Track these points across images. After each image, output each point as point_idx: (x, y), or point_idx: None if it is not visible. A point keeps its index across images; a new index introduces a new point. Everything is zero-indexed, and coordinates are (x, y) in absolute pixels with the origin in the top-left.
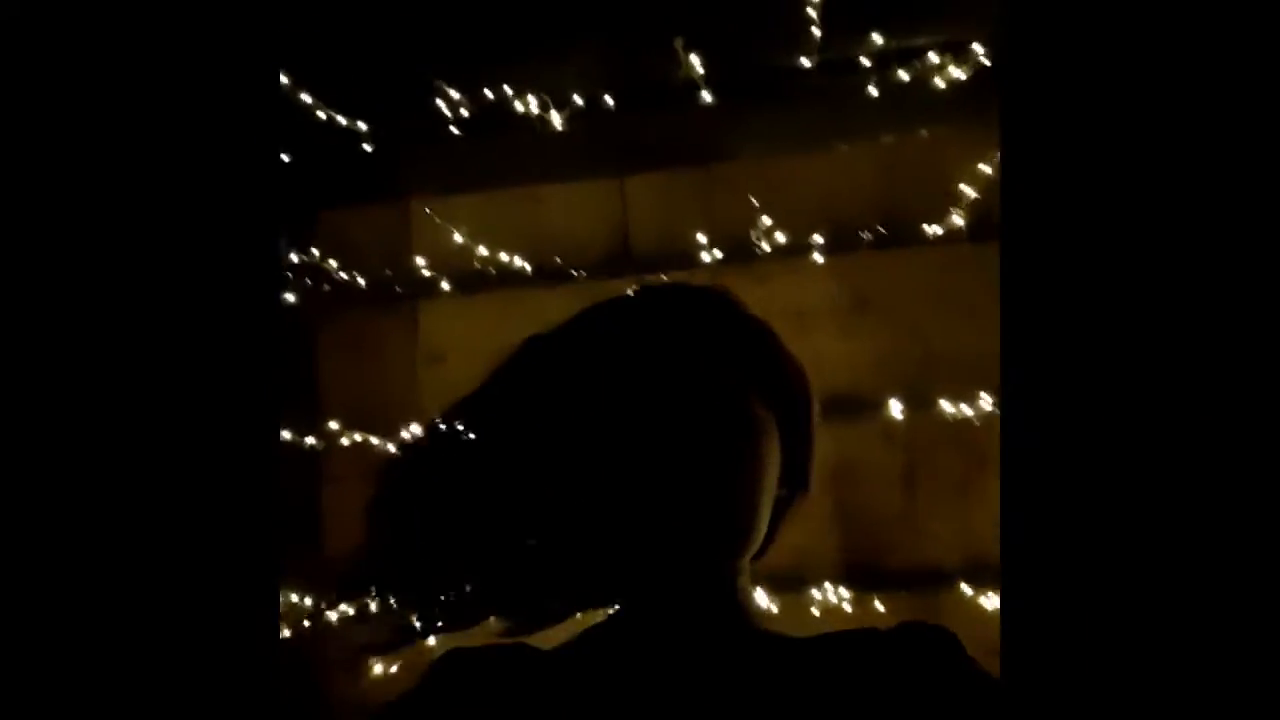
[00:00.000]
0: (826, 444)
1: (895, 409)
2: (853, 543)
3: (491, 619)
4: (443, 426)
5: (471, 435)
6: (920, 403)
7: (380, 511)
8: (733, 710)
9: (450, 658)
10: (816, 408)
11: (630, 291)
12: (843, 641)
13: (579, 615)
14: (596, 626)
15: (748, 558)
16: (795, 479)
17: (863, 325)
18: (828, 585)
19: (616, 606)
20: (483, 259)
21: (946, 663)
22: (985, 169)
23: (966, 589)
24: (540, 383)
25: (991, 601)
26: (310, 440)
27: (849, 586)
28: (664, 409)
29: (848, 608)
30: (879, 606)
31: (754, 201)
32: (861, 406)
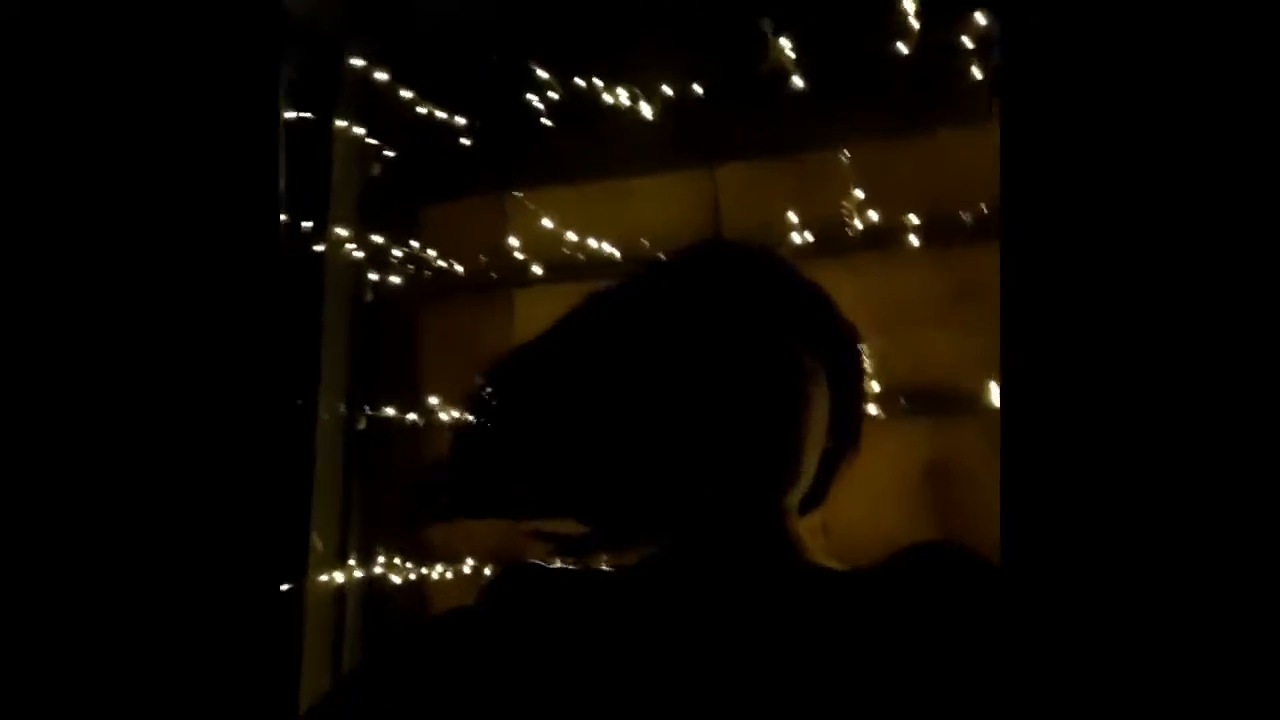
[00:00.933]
0: (923, 438)
1: (996, 403)
2: (951, 538)
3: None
4: (515, 370)
5: (544, 377)
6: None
7: (464, 437)
8: (779, 637)
9: (509, 573)
10: (868, 365)
11: (697, 247)
12: (886, 574)
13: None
14: (653, 556)
15: (794, 497)
16: (844, 433)
17: (962, 317)
18: None
19: (672, 545)
20: (573, 247)
21: (988, 594)
22: None
23: None
24: (604, 329)
25: None
26: (412, 416)
27: None
28: (714, 351)
29: None
30: None
31: (850, 189)
32: (961, 400)
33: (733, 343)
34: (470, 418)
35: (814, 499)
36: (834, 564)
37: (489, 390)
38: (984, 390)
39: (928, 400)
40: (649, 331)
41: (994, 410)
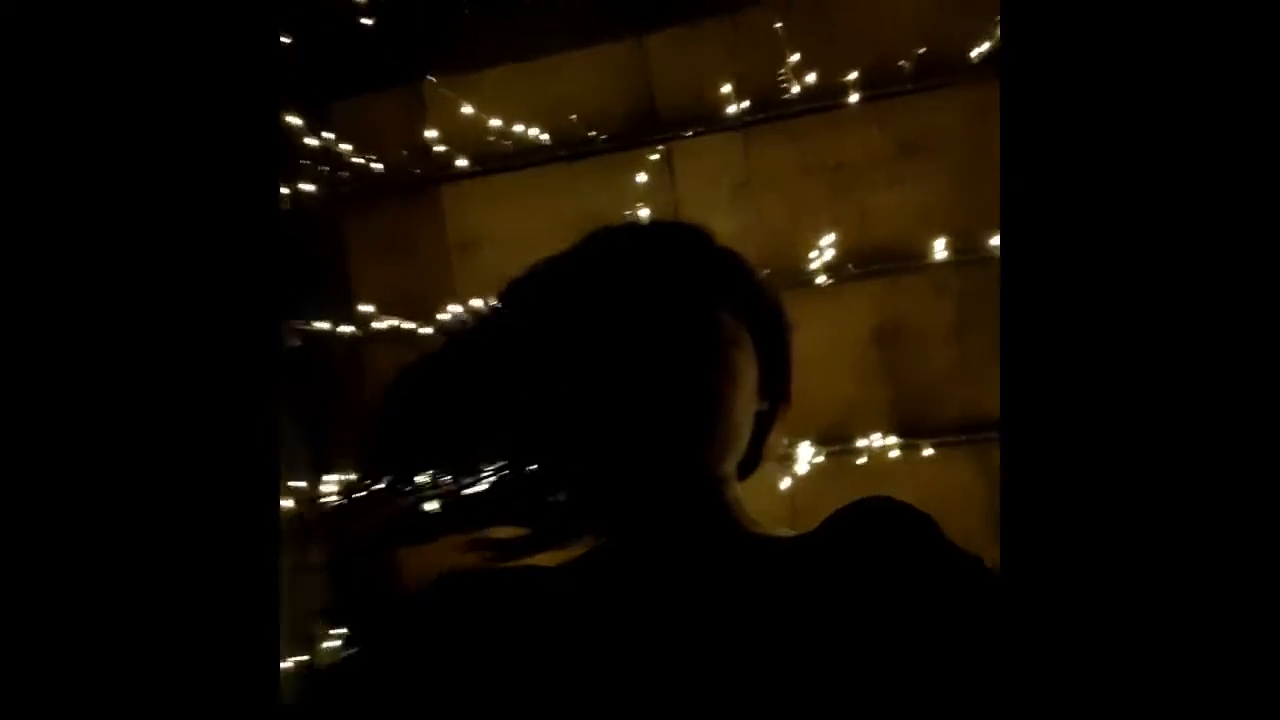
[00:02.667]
0: (873, 301)
1: (943, 259)
2: (902, 396)
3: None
4: (447, 350)
5: (476, 356)
6: (971, 251)
7: (391, 410)
8: (727, 611)
9: (447, 579)
10: (789, 324)
11: (611, 228)
12: (829, 537)
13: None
14: (595, 548)
15: (730, 464)
16: (775, 393)
17: (907, 171)
18: (876, 435)
19: (612, 532)
20: (500, 133)
21: (929, 548)
22: None
23: None
24: (528, 311)
25: None
26: (347, 328)
27: (899, 436)
28: (636, 324)
29: (895, 453)
30: (928, 453)
31: (786, 51)
32: (909, 259)
33: (654, 315)
34: (398, 408)
35: (751, 462)
36: (775, 530)
37: (421, 380)
38: (929, 246)
39: (876, 261)
40: (571, 309)
41: (941, 263)
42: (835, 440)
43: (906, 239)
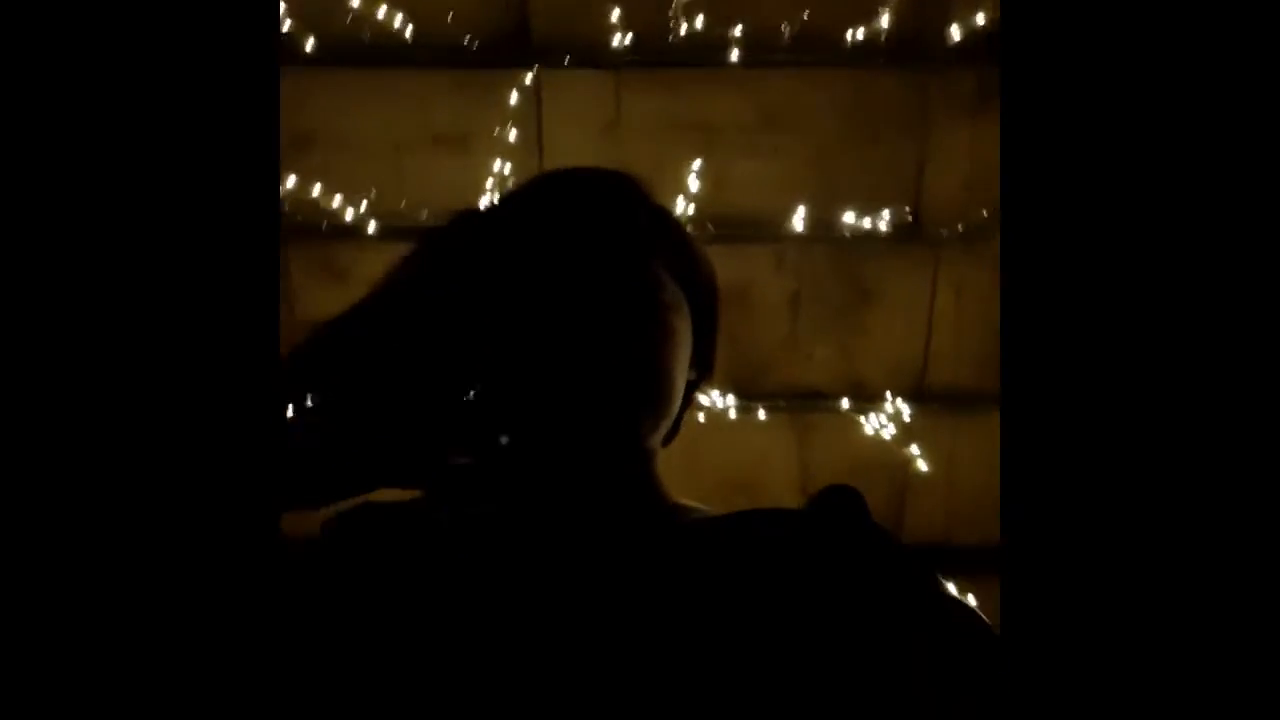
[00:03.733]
0: (720, 263)
1: (793, 233)
2: (739, 360)
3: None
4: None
5: (394, 311)
6: (819, 229)
7: (299, 370)
8: (643, 582)
9: (355, 512)
10: (719, 292)
11: (549, 174)
12: (756, 518)
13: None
14: (513, 498)
15: (660, 434)
16: (703, 364)
17: (770, 144)
18: (715, 394)
19: (523, 497)
20: (359, 17)
21: (852, 530)
22: None
23: (845, 405)
24: (459, 263)
25: (870, 422)
26: None
27: (737, 396)
28: (583, 283)
29: (732, 414)
30: (761, 415)
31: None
32: (760, 228)
33: (593, 269)
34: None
35: (670, 435)
36: (697, 506)
37: (317, 359)
38: (786, 218)
39: (728, 226)
40: (505, 264)
41: (795, 236)
42: None
43: (760, 209)
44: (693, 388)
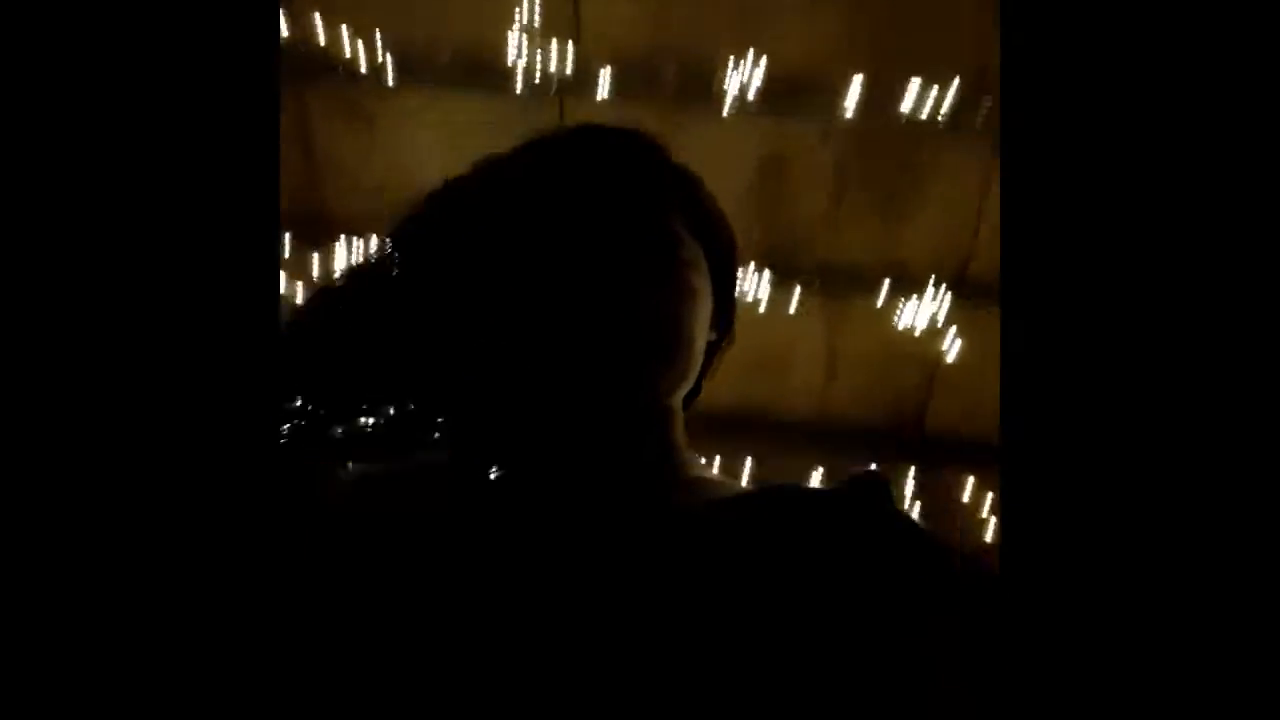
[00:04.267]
0: (762, 135)
1: (845, 105)
2: (774, 236)
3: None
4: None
5: (404, 266)
6: (873, 104)
7: (304, 331)
8: (649, 570)
9: (363, 479)
10: (738, 251)
11: (560, 130)
12: (775, 500)
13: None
14: (529, 461)
15: (680, 393)
16: (723, 324)
17: (829, 6)
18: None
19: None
20: None
21: (875, 518)
22: None
23: (885, 291)
24: (475, 217)
25: (908, 311)
26: None
27: (771, 273)
28: (601, 239)
29: (766, 291)
30: (794, 302)
31: None
32: (812, 97)
33: (610, 225)
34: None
35: (692, 395)
36: (714, 477)
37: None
38: (845, 86)
39: (776, 100)
40: (524, 219)
41: (842, 110)
42: None
43: (810, 78)
44: (713, 349)
